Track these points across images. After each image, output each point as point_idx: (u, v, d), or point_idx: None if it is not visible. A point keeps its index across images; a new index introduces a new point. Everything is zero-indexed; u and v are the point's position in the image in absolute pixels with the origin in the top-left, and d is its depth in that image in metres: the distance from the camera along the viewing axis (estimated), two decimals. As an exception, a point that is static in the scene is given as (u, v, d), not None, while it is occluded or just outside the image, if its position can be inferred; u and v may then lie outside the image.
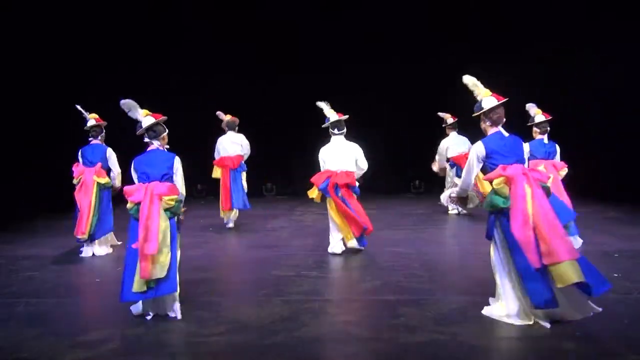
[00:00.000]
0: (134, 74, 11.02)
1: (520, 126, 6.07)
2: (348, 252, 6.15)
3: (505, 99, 3.98)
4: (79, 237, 6.43)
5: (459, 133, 8.86)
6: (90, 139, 6.73)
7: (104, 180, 6.55)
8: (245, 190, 8.17)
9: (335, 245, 6.11)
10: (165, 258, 4.02)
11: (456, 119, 8.92)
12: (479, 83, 4.07)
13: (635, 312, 3.96)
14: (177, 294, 4.15)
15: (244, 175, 8.21)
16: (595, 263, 5.26)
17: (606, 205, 9.09)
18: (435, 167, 9.14)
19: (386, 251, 6.24)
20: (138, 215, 4.09)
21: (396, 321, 3.89)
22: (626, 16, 9.62)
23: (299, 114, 11.53)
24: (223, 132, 8.27)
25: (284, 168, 12.03)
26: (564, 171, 6.13)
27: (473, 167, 3.97)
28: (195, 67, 11.50)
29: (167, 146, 4.48)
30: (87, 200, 6.41)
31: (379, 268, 5.46)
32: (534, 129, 6.26)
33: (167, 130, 4.40)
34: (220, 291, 4.87)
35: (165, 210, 4.11)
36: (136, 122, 4.34)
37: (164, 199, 4.10)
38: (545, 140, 6.18)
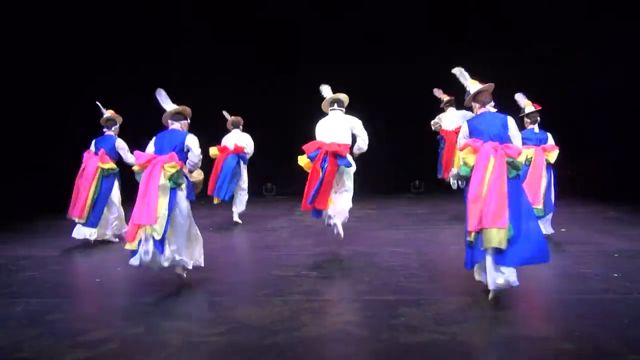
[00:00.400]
0: (134, 74, 11.01)
1: (516, 120, 6.20)
2: (347, 252, 6.15)
3: (488, 84, 4.40)
4: (73, 218, 6.71)
5: (457, 109, 8.68)
6: (104, 129, 7.05)
7: (108, 165, 6.80)
8: (246, 182, 8.44)
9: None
10: (160, 225, 4.46)
11: (452, 97, 8.71)
12: (465, 73, 4.52)
13: (635, 312, 3.96)
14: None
15: (244, 168, 8.38)
16: (595, 263, 5.32)
17: (606, 205, 9.08)
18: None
19: (386, 251, 6.23)
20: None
21: (396, 321, 3.89)
22: (626, 16, 9.62)
23: (299, 113, 11.53)
24: (228, 132, 8.51)
25: (284, 168, 12.01)
26: (555, 153, 6.30)
27: (461, 143, 4.40)
28: (195, 67, 11.50)
29: None
30: (86, 184, 6.65)
31: (379, 268, 5.45)
32: (525, 119, 6.48)
33: (189, 121, 5.00)
34: (220, 291, 4.87)
35: (169, 179, 4.52)
36: (164, 112, 4.94)
37: (165, 167, 4.52)
38: (536, 130, 6.43)
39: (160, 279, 5.02)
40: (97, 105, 7.13)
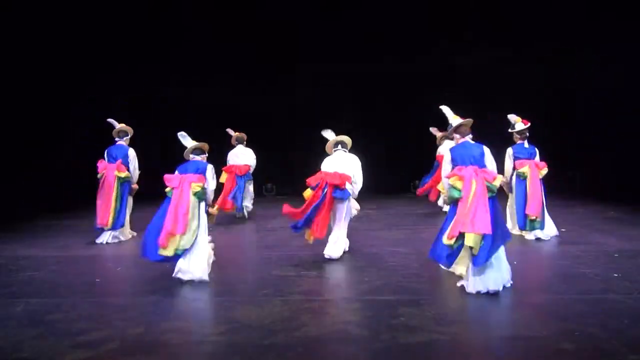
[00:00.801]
0: (134, 74, 11.02)
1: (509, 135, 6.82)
2: (348, 252, 6.15)
3: (467, 119, 4.99)
4: (101, 226, 7.08)
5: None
6: (116, 139, 7.43)
7: (124, 174, 7.22)
8: (252, 195, 9.20)
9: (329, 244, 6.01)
10: (191, 234, 4.97)
11: (444, 131, 8.81)
12: (449, 111, 5.15)
13: (635, 312, 3.96)
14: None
15: (250, 183, 9.05)
16: (595, 263, 5.32)
17: (606, 205, 9.08)
18: None
19: (386, 251, 6.23)
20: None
21: (396, 321, 3.89)
22: (626, 16, 9.62)
23: (298, 113, 11.55)
24: (232, 147, 8.99)
25: (284, 168, 12.03)
26: (545, 170, 6.78)
27: (446, 168, 4.95)
28: (195, 67, 11.51)
29: None
30: (108, 193, 7.07)
31: (379, 268, 5.45)
32: (515, 135, 6.91)
33: (206, 155, 5.56)
34: (220, 291, 4.87)
35: (194, 194, 5.06)
36: (185, 148, 5.51)
37: (192, 185, 5.09)
38: (526, 145, 6.87)
39: (160, 279, 5.02)
40: (110, 122, 7.47)
